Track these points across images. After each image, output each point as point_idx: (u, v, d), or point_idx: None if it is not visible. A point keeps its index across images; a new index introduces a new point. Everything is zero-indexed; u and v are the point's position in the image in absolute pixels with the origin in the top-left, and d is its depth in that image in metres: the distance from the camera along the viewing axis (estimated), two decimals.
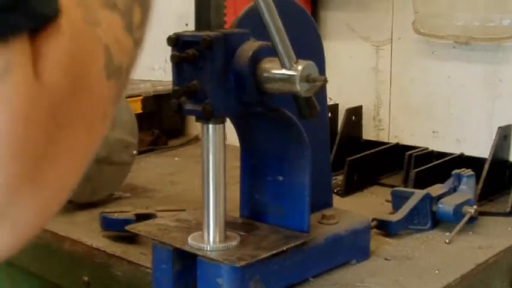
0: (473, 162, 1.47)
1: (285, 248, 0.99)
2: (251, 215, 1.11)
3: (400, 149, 1.65)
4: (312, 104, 0.94)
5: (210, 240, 0.99)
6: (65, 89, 0.44)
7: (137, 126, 1.49)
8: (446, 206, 1.26)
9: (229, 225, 1.03)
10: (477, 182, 1.36)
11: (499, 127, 1.49)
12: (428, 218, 1.28)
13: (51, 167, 0.46)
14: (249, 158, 1.10)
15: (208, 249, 0.98)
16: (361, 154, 1.57)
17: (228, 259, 0.95)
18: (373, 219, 1.24)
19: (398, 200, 1.31)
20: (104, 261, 1.19)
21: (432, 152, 1.64)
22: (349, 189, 1.51)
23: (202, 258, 0.97)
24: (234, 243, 0.99)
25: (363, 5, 1.75)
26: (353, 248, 1.12)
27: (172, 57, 0.96)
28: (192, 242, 1.00)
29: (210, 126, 0.97)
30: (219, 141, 0.98)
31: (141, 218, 1.20)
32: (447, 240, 1.22)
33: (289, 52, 0.91)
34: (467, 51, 1.60)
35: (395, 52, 1.73)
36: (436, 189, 1.31)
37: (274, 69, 0.93)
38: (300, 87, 0.91)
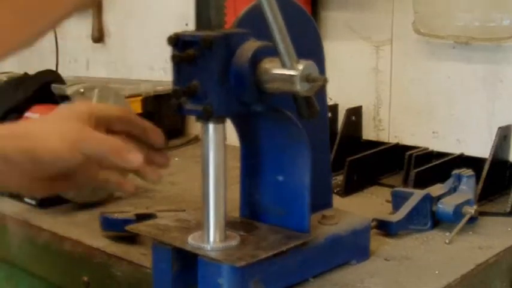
0: (473, 162, 1.47)
1: (285, 248, 0.99)
2: (251, 215, 1.11)
3: (400, 149, 1.65)
4: (312, 104, 0.94)
5: (210, 239, 0.99)
6: None
7: None
8: (446, 206, 1.26)
9: (229, 225, 1.03)
10: (477, 182, 1.36)
11: (499, 127, 1.49)
12: (428, 218, 1.28)
13: None
14: (249, 158, 1.10)
15: (209, 248, 0.98)
16: (361, 154, 1.57)
17: (228, 259, 0.95)
18: (373, 220, 1.24)
19: (398, 200, 1.31)
20: (104, 261, 1.19)
21: (432, 152, 1.64)
22: (349, 189, 1.51)
23: (202, 258, 0.97)
24: (234, 242, 0.99)
25: (363, 5, 1.75)
26: (353, 248, 1.12)
27: (173, 57, 0.96)
28: (192, 242, 1.00)
29: (211, 125, 0.97)
30: (219, 140, 0.98)
31: (141, 218, 1.20)
32: (447, 240, 1.22)
33: (291, 51, 0.90)
34: (467, 51, 1.60)
35: (395, 52, 1.73)
36: (436, 189, 1.31)
37: (274, 69, 0.93)
38: (300, 87, 0.91)
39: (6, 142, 0.89)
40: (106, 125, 0.98)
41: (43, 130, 0.91)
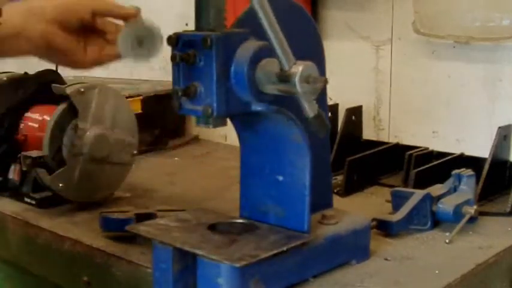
0: (473, 162, 1.47)
1: (285, 248, 0.99)
2: (251, 215, 1.11)
3: (400, 149, 1.65)
4: (323, 122, 0.95)
5: None
6: None
7: (137, 126, 1.49)
8: (446, 206, 1.26)
9: (229, 225, 1.03)
10: (477, 182, 1.36)
11: (499, 127, 1.49)
12: (428, 218, 1.28)
13: None
14: (249, 158, 1.10)
15: None
16: (361, 154, 1.57)
17: (228, 259, 0.95)
18: (373, 219, 1.24)
19: (398, 200, 1.31)
20: (104, 261, 1.19)
21: (432, 152, 1.64)
22: (349, 189, 1.51)
23: (202, 258, 0.97)
24: None
25: (363, 4, 1.75)
26: (353, 248, 1.12)
27: (173, 57, 0.96)
28: None
29: None
30: None
31: (141, 218, 1.20)
32: (447, 240, 1.22)
33: (287, 54, 0.91)
34: (467, 51, 1.60)
35: (395, 52, 1.73)
36: (436, 189, 1.31)
37: (274, 69, 0.93)
38: (299, 88, 0.91)
39: None
40: None
41: None
